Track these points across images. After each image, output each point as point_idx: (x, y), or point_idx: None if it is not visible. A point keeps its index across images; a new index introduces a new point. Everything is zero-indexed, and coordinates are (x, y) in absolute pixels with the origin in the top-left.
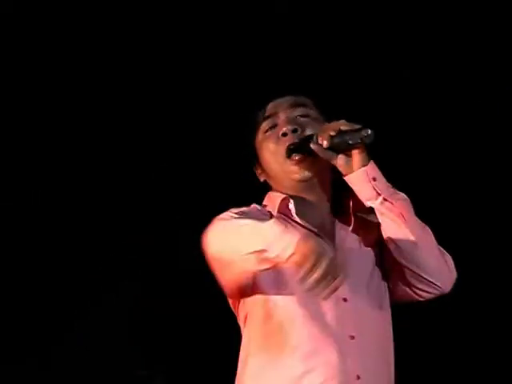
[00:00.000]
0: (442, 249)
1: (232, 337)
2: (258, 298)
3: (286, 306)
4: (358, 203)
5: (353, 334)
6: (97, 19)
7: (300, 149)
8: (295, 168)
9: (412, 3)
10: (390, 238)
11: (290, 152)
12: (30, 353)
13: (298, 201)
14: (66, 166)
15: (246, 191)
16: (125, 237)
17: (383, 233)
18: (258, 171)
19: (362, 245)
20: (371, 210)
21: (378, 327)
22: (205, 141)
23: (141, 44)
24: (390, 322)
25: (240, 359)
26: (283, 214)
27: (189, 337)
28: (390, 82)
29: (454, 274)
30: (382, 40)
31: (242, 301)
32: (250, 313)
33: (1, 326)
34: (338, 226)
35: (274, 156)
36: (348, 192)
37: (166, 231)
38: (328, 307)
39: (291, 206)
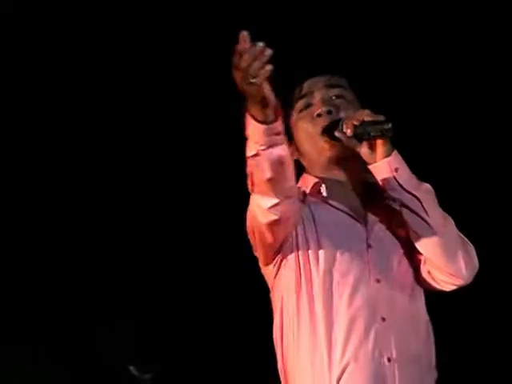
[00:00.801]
0: (465, 239)
1: (233, 336)
2: (290, 275)
3: (319, 285)
4: None
5: (384, 316)
6: (97, 19)
7: (331, 130)
8: (327, 146)
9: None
10: (411, 229)
11: (323, 134)
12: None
13: (331, 182)
14: (66, 166)
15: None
16: (125, 237)
17: (406, 223)
18: (291, 149)
19: (393, 229)
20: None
21: (411, 310)
22: (204, 140)
23: (141, 44)
24: (423, 307)
25: (276, 341)
26: (315, 197)
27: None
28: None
29: (476, 266)
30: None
31: (275, 285)
32: (283, 293)
33: None
34: (371, 208)
35: (308, 136)
36: None
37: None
38: (361, 287)
39: (323, 189)
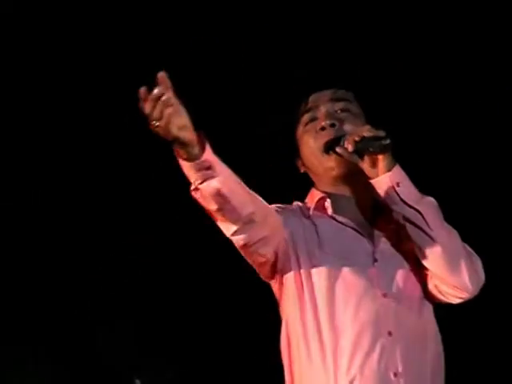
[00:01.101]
0: (470, 252)
1: (234, 337)
2: (293, 290)
3: (323, 298)
4: None
5: (391, 330)
6: (97, 19)
7: (333, 146)
8: (332, 164)
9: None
10: (415, 243)
11: (326, 148)
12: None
13: (336, 197)
14: (66, 166)
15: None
16: (125, 237)
17: (410, 238)
18: (299, 163)
19: (400, 242)
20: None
21: (418, 324)
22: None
23: (141, 43)
24: (432, 321)
25: (283, 356)
26: (320, 212)
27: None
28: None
29: (481, 278)
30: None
31: (281, 299)
32: (286, 308)
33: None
34: (378, 222)
35: (312, 150)
36: None
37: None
38: (367, 301)
39: (327, 204)
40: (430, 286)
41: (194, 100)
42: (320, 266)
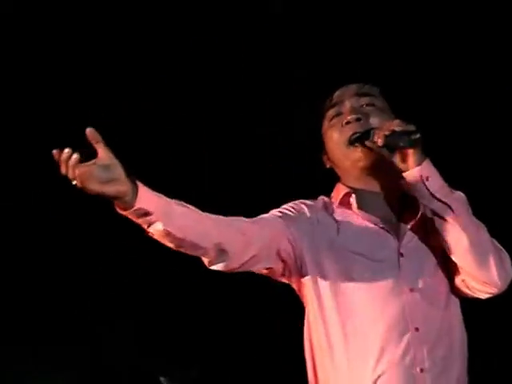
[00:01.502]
0: (499, 247)
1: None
2: (313, 290)
3: (346, 297)
4: None
5: (417, 326)
6: (96, 19)
7: (361, 140)
8: (359, 155)
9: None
10: (443, 238)
11: (352, 142)
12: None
13: (362, 192)
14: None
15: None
16: (125, 237)
17: (438, 232)
18: (325, 158)
19: (427, 237)
20: None
21: (445, 319)
22: (204, 140)
23: (140, 43)
24: (458, 316)
25: (307, 357)
26: (345, 207)
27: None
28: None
29: (510, 274)
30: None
31: (304, 298)
32: (309, 307)
33: None
34: (404, 216)
35: (337, 144)
36: None
37: None
38: (393, 297)
39: (352, 199)
40: (458, 281)
41: (194, 100)
42: (342, 264)
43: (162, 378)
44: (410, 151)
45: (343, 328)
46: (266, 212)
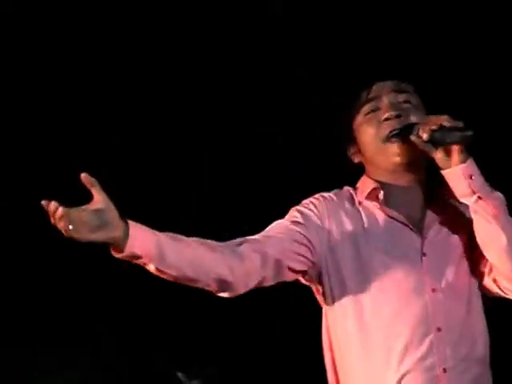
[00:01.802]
0: None
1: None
2: (333, 290)
3: (366, 297)
4: (452, 193)
5: (439, 326)
6: (96, 19)
7: (401, 135)
8: (397, 151)
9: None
10: (480, 237)
11: (390, 137)
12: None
13: (391, 188)
14: (65, 166)
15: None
16: None
17: (475, 230)
18: (353, 151)
19: (452, 235)
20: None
21: (467, 320)
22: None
23: (141, 43)
24: (481, 316)
25: (327, 361)
26: (371, 201)
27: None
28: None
29: None
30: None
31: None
32: (333, 310)
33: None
34: (429, 214)
35: (373, 139)
36: (442, 180)
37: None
38: (415, 297)
39: (381, 195)
40: (488, 281)
41: (194, 100)
42: (364, 262)
43: (180, 374)
44: (457, 148)
45: (364, 328)
46: (265, 211)
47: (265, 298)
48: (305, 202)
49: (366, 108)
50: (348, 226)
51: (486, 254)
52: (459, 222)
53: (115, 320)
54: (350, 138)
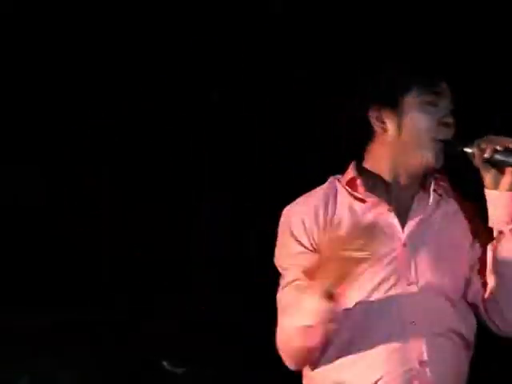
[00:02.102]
0: None
1: None
2: None
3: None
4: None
5: (414, 320)
6: (96, 19)
7: (451, 146)
8: (438, 155)
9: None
10: (498, 258)
11: (445, 144)
12: None
13: (377, 179)
14: (67, 166)
15: None
16: (126, 237)
17: (498, 255)
18: (377, 116)
19: (434, 234)
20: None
21: (445, 315)
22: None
23: (141, 43)
24: (462, 312)
25: None
26: (358, 192)
27: None
28: None
29: None
30: None
31: None
32: None
33: None
34: (415, 212)
35: (424, 132)
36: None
37: None
38: (391, 289)
39: (360, 185)
40: (475, 297)
41: (194, 100)
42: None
43: (164, 363)
44: (509, 172)
45: (343, 321)
46: (266, 211)
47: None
48: (294, 223)
49: (427, 97)
50: (336, 219)
51: (492, 273)
52: (457, 220)
53: None
54: (383, 102)
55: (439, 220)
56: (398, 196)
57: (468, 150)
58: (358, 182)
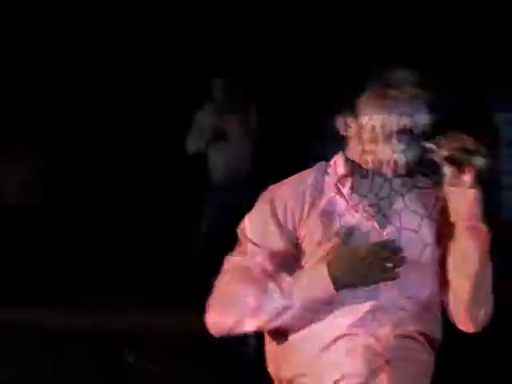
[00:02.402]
0: (490, 294)
1: None
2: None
3: None
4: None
5: (379, 318)
6: (96, 19)
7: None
8: (396, 149)
9: None
10: (460, 258)
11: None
12: None
13: (362, 173)
14: (67, 166)
15: None
16: (127, 237)
17: (457, 251)
18: (348, 122)
19: (420, 220)
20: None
21: (412, 313)
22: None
23: (141, 43)
24: (431, 307)
25: None
26: (344, 186)
27: None
28: None
29: (482, 325)
30: None
31: None
32: None
33: None
34: (399, 203)
35: (378, 127)
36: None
37: None
38: (362, 290)
39: (348, 185)
40: (443, 297)
41: (194, 100)
42: (322, 251)
43: (129, 356)
44: (472, 171)
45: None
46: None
47: None
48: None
49: (379, 92)
50: (316, 210)
51: (455, 276)
52: (427, 209)
53: None
54: (344, 107)
55: (417, 219)
56: (381, 193)
57: (428, 145)
58: (348, 182)
